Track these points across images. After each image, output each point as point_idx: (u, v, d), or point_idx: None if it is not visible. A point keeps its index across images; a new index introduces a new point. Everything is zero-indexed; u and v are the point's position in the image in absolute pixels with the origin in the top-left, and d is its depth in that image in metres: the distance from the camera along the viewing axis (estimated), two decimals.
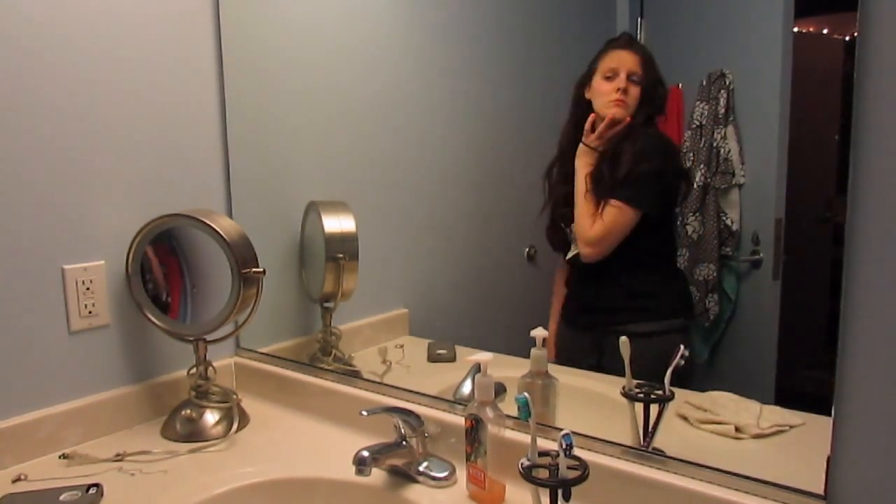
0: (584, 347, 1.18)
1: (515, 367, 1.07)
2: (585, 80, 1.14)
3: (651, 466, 0.89)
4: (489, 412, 0.93)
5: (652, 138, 1.13)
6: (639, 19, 1.11)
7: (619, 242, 1.12)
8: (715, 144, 1.06)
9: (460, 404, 1.10)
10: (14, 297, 1.10)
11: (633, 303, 1.16)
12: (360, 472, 0.95)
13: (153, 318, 1.21)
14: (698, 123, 1.07)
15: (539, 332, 1.02)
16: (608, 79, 1.12)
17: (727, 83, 1.04)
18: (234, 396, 1.25)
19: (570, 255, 1.18)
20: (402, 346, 1.41)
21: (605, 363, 1.12)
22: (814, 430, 0.83)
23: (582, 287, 1.21)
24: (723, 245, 1.07)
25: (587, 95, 1.13)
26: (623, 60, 1.11)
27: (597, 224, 1.12)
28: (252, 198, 1.42)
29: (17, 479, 1.04)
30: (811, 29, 0.96)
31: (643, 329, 1.09)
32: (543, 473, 0.82)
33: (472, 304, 1.42)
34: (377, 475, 1.01)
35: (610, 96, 1.11)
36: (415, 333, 1.44)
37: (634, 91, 1.10)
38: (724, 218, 1.07)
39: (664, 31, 1.11)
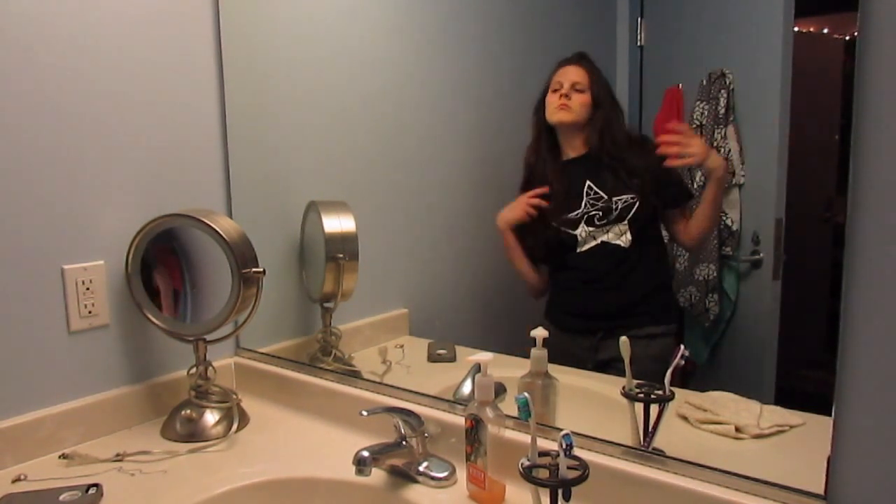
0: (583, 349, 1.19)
1: (515, 367, 1.07)
2: (540, 103, 1.19)
3: (651, 466, 0.89)
4: (489, 412, 0.93)
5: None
6: (639, 19, 1.11)
7: None
8: (715, 144, 1.06)
9: (460, 404, 1.10)
10: (14, 297, 1.10)
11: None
12: (360, 472, 0.95)
13: (153, 318, 1.21)
14: (698, 123, 1.07)
15: (539, 332, 1.02)
16: (555, 91, 1.17)
17: (727, 83, 1.04)
18: (234, 396, 1.25)
19: (583, 248, 1.19)
20: (402, 346, 1.41)
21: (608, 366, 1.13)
22: (814, 430, 0.83)
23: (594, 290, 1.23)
24: (723, 245, 1.07)
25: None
26: (567, 74, 1.16)
27: None
28: (252, 198, 1.42)
29: (16, 479, 1.04)
30: (811, 29, 0.96)
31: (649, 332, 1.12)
32: (543, 473, 0.82)
33: (472, 304, 1.42)
34: (377, 475, 1.01)
35: (554, 104, 1.17)
36: (415, 333, 1.44)
37: (579, 97, 1.15)
38: (724, 218, 1.07)
39: (664, 31, 1.11)
